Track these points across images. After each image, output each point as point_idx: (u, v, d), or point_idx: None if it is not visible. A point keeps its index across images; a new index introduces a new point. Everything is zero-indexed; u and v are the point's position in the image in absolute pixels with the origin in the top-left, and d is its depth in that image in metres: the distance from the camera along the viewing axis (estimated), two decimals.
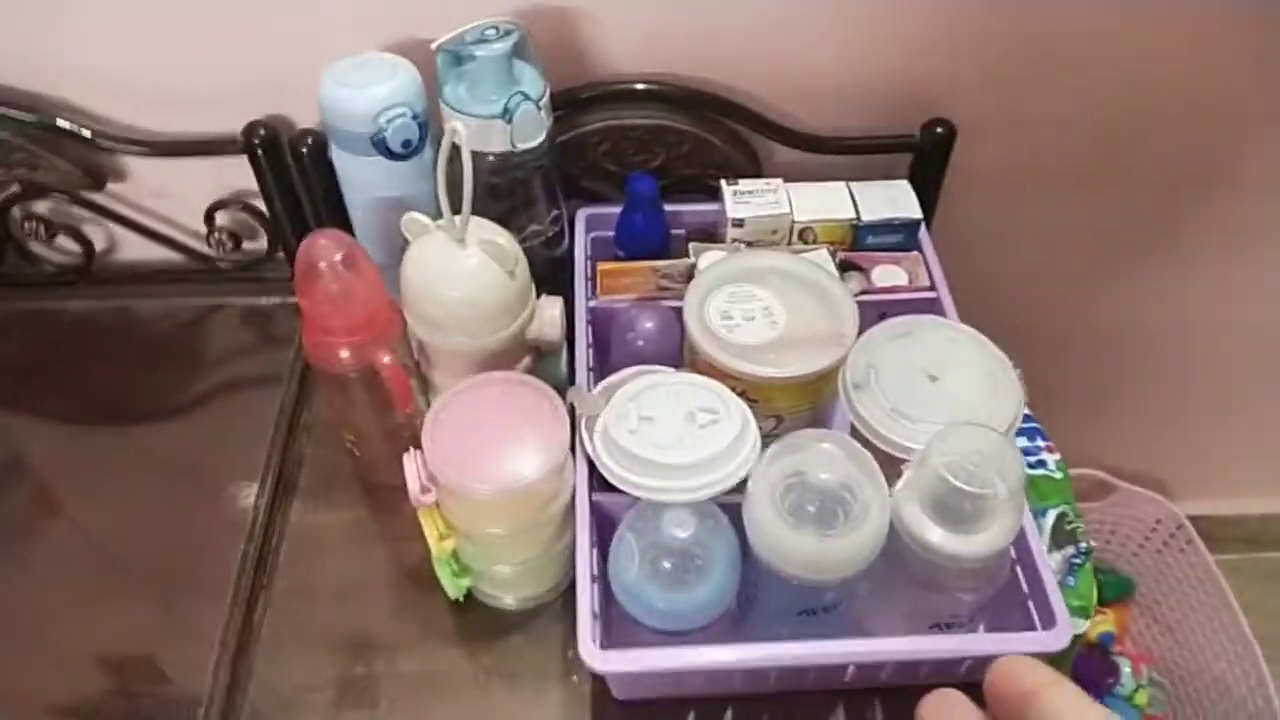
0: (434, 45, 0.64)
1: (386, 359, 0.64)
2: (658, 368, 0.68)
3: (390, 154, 0.66)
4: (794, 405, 0.66)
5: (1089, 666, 1.17)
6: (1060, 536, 0.82)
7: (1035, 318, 1.04)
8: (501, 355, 0.67)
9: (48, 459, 0.81)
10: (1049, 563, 0.79)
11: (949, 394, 0.62)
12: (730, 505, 0.61)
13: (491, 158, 0.67)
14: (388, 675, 0.66)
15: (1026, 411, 0.91)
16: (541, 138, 0.66)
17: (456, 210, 0.61)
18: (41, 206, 0.85)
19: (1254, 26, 0.77)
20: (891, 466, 0.60)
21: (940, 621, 0.61)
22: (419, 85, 0.67)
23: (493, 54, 0.63)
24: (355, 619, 0.69)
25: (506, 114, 0.64)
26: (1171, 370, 1.14)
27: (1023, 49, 0.78)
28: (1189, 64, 0.80)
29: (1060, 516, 0.83)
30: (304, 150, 0.76)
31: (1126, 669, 1.20)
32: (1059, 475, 0.86)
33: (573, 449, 0.62)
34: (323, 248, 0.60)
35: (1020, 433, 0.88)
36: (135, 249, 0.89)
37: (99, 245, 0.90)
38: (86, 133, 0.77)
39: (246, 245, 0.88)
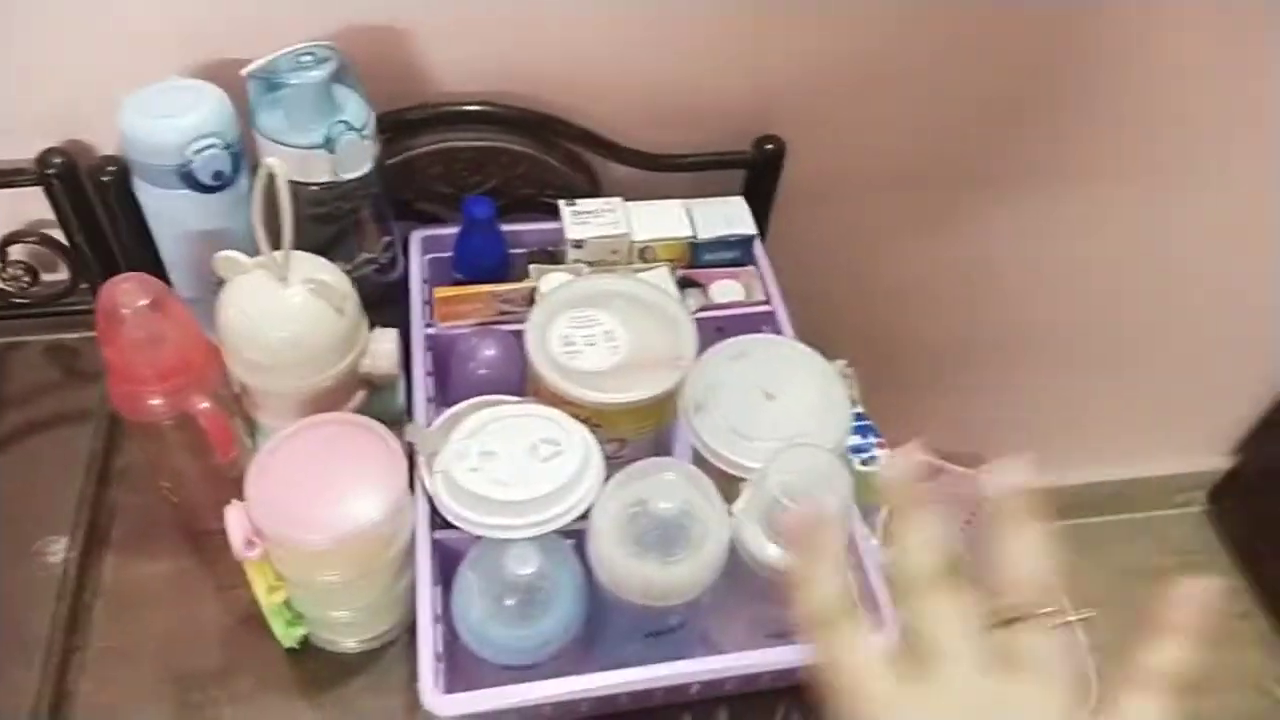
0: (244, 72, 0.60)
1: (204, 404, 0.60)
2: (500, 397, 0.67)
3: (200, 187, 0.62)
4: (637, 428, 0.66)
5: None
6: (892, 531, 0.86)
7: (864, 316, 1.09)
8: (332, 393, 0.64)
9: None
10: (880, 558, 0.85)
11: (784, 412, 0.64)
12: (574, 532, 0.61)
13: (315, 188, 0.64)
14: None
15: (859, 409, 0.95)
16: (368, 166, 0.64)
17: (276, 246, 0.58)
18: None
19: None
20: (733, 484, 0.61)
21: (779, 630, 0.63)
22: (229, 112, 0.63)
23: (309, 81, 0.60)
24: (183, 677, 0.65)
25: (329, 144, 0.61)
26: (997, 353, 1.22)
27: (843, 64, 0.81)
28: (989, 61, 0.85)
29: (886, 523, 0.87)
30: (105, 179, 0.70)
31: None
32: None
33: (411, 486, 0.61)
34: (126, 293, 0.56)
35: (854, 431, 0.92)
36: None
37: None
38: None
39: (46, 277, 0.81)
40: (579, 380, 0.63)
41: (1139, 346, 1.27)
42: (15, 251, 0.78)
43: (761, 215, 0.83)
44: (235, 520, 0.56)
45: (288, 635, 0.64)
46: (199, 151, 0.60)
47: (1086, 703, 0.33)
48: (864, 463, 0.91)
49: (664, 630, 0.59)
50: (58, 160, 0.71)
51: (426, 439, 0.62)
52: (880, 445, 0.93)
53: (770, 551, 0.56)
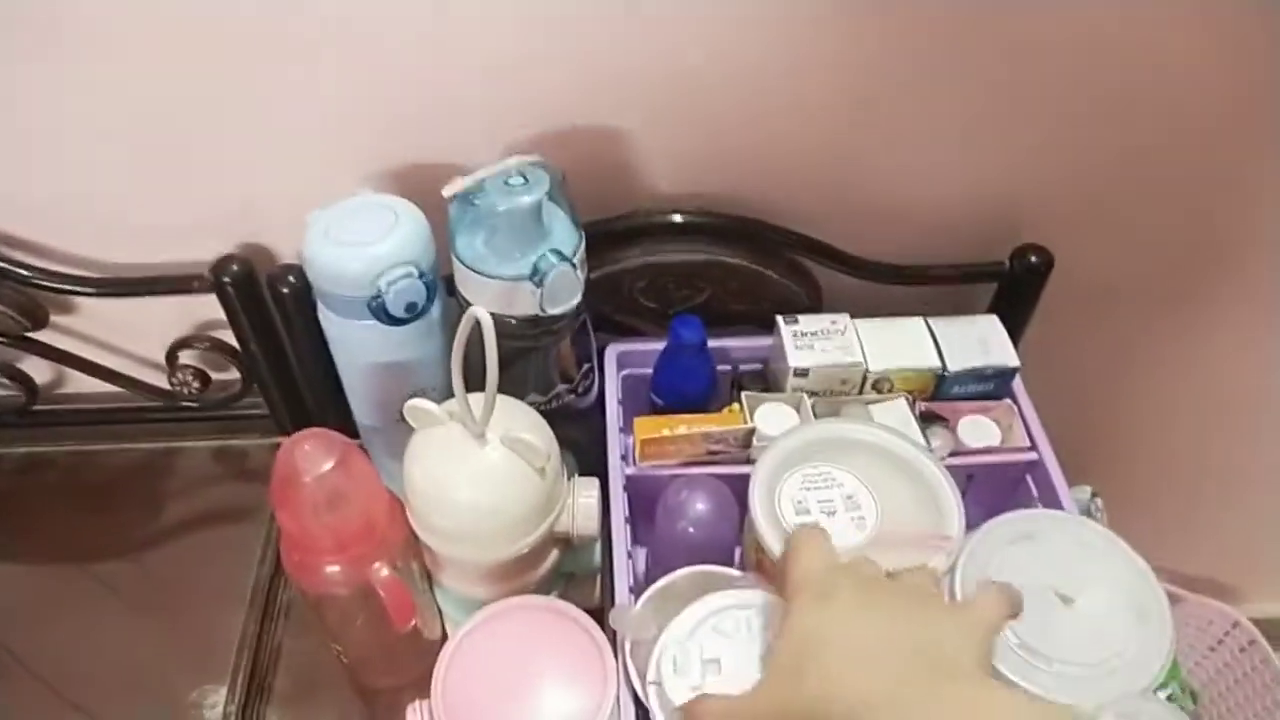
0: (446, 193, 0.52)
1: (384, 573, 0.52)
2: (713, 569, 0.56)
3: (390, 319, 0.54)
4: None
5: None
6: None
7: (1107, 441, 0.93)
8: (526, 557, 0.55)
9: None
10: None
11: (1087, 623, 0.50)
12: None
13: (514, 321, 0.55)
14: None
15: None
16: (577, 299, 0.54)
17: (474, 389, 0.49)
18: None
19: None
20: None
21: None
22: (426, 236, 0.55)
23: (519, 207, 0.51)
24: None
25: (536, 275, 0.52)
26: (1235, 476, 1.04)
27: (1112, 164, 0.67)
28: None
29: (1169, 698, 0.71)
30: (284, 291, 0.63)
31: None
32: None
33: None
34: (308, 456, 0.48)
35: None
36: (85, 384, 0.76)
37: (43, 380, 0.77)
38: (23, 272, 0.64)
39: (217, 377, 0.76)
40: None
41: None
42: (185, 355, 0.73)
43: (1014, 338, 0.69)
44: None
45: None
46: (392, 283, 0.52)
47: None
48: None
49: None
50: (234, 268, 0.65)
51: (634, 625, 0.52)
52: None
53: None
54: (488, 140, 0.60)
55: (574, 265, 0.53)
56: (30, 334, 0.70)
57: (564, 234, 0.54)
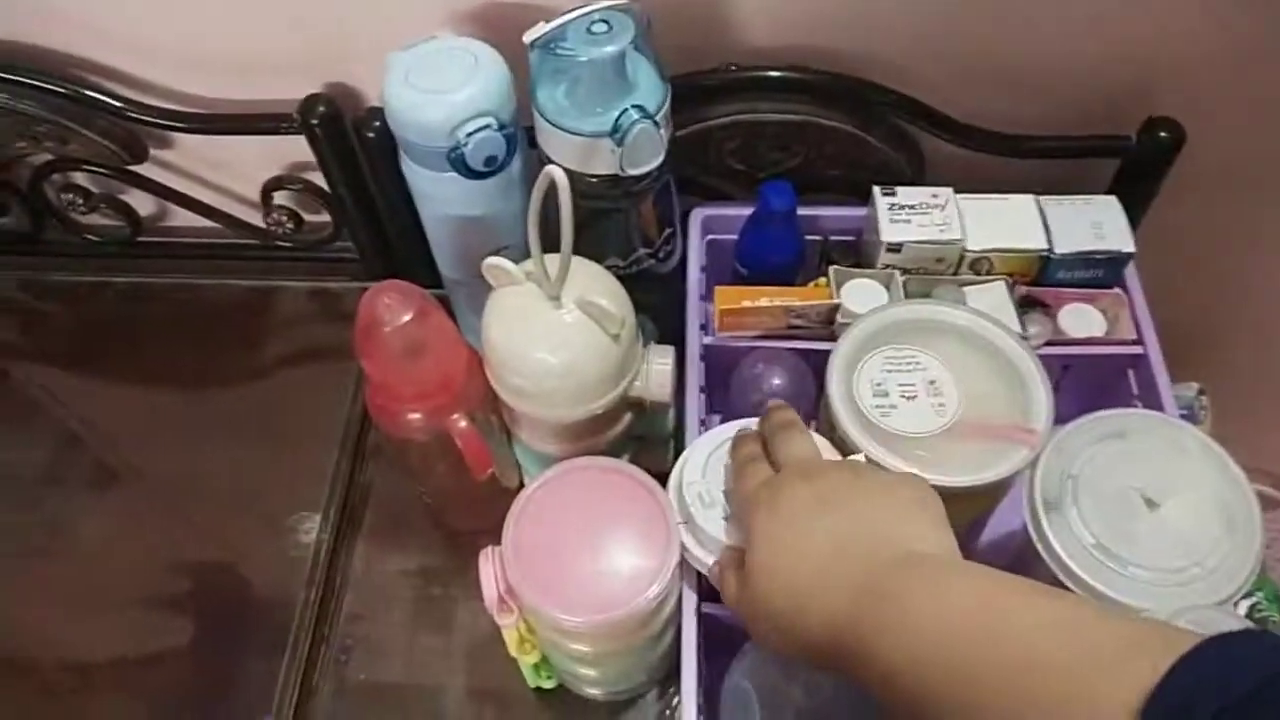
0: (526, 39, 0.49)
1: (462, 424, 0.53)
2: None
3: (470, 173, 0.53)
4: (956, 514, 0.53)
5: None
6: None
7: (1219, 332, 0.87)
8: (599, 417, 0.55)
9: (94, 445, 0.74)
10: None
11: (1173, 528, 0.48)
12: None
13: (594, 180, 0.53)
14: None
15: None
16: (658, 160, 0.52)
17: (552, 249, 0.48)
18: (80, 176, 0.75)
19: None
20: None
21: None
22: (506, 84, 0.53)
23: (601, 57, 0.48)
24: (425, 690, 0.61)
25: (617, 132, 0.50)
26: None
27: (1259, 35, 0.59)
28: None
29: (1252, 607, 0.69)
30: (370, 135, 0.63)
31: None
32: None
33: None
34: (388, 308, 0.48)
35: None
36: (187, 219, 0.79)
37: (145, 212, 0.79)
38: (116, 104, 0.65)
39: (310, 219, 0.77)
40: (893, 447, 0.50)
41: None
42: (279, 196, 0.74)
43: (1133, 220, 0.64)
44: (488, 572, 0.50)
45: (535, 678, 0.58)
46: (471, 134, 0.51)
47: None
48: None
49: None
50: (321, 109, 0.64)
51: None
52: None
53: None
54: None
55: (657, 123, 0.50)
56: (131, 167, 0.72)
57: (649, 88, 0.52)
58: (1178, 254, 0.76)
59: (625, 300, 0.52)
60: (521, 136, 0.57)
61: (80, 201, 0.75)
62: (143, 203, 0.79)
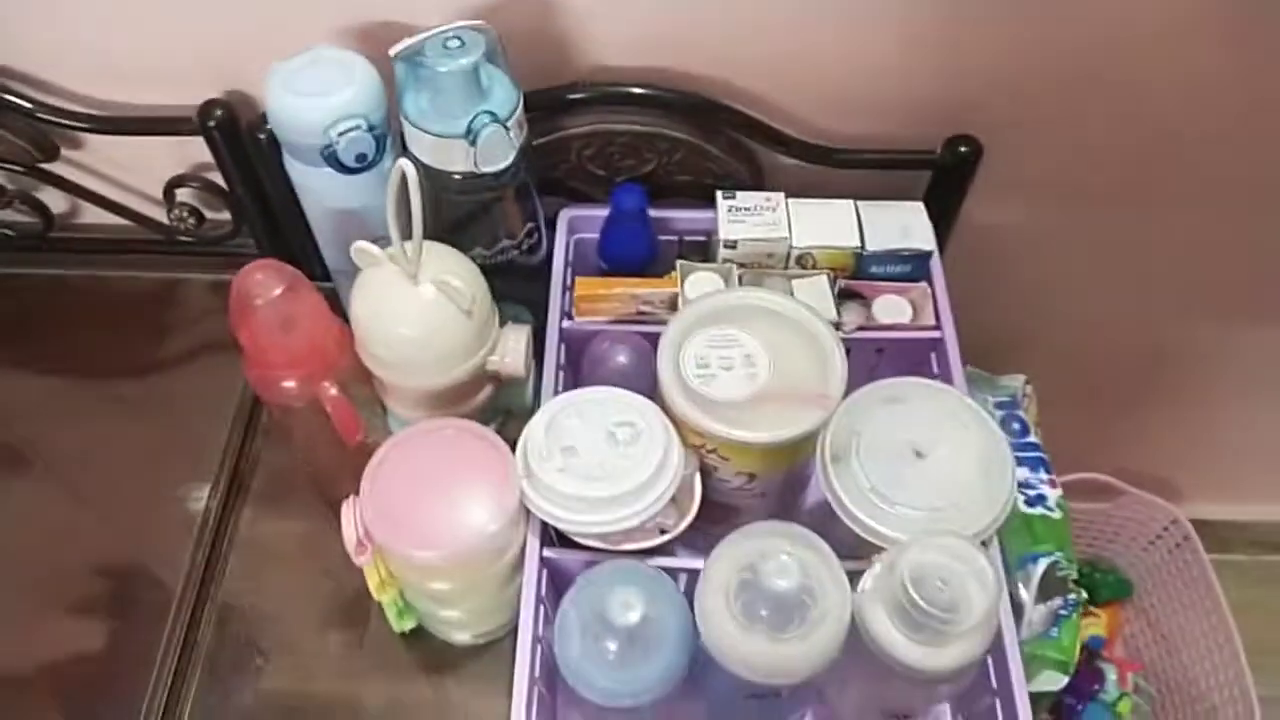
0: (391, 52, 0.57)
1: (332, 391, 0.60)
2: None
3: (343, 168, 0.60)
4: (768, 465, 0.61)
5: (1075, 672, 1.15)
6: (1049, 587, 0.77)
7: (1047, 327, 0.97)
8: (459, 388, 0.62)
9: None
10: (1034, 618, 0.77)
11: (935, 474, 0.57)
12: (686, 571, 0.58)
13: (457, 176, 0.61)
14: (331, 701, 0.65)
15: (1033, 439, 0.85)
16: (509, 160, 0.59)
17: (409, 237, 0.55)
18: None
19: None
20: (866, 549, 0.56)
21: (898, 714, 0.58)
22: (377, 91, 0.60)
23: (455, 68, 0.56)
24: (301, 643, 0.67)
25: (470, 135, 0.57)
26: (1186, 375, 1.08)
27: (1055, 61, 0.69)
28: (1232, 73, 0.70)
29: (1052, 565, 0.78)
30: (262, 136, 0.69)
31: (1112, 676, 1.17)
32: (1058, 515, 0.81)
33: None
34: (259, 283, 0.55)
35: (1022, 462, 0.83)
36: (98, 215, 0.84)
37: (59, 209, 0.85)
38: (27, 105, 0.71)
39: (211, 216, 0.83)
40: (708, 410, 0.58)
41: None
42: (181, 193, 0.80)
43: (943, 224, 0.73)
44: (349, 518, 0.56)
45: (399, 624, 0.64)
46: (342, 134, 0.58)
47: None
48: (1029, 503, 0.82)
49: (768, 694, 0.55)
50: (218, 113, 0.70)
51: None
52: (1051, 483, 0.83)
53: (897, 642, 0.50)
54: (441, 7, 0.65)
55: (506, 127, 0.58)
56: (43, 165, 0.77)
57: (503, 97, 0.59)
58: (999, 256, 0.87)
59: (478, 280, 0.59)
60: (395, 139, 0.64)
61: None
62: (56, 200, 0.84)
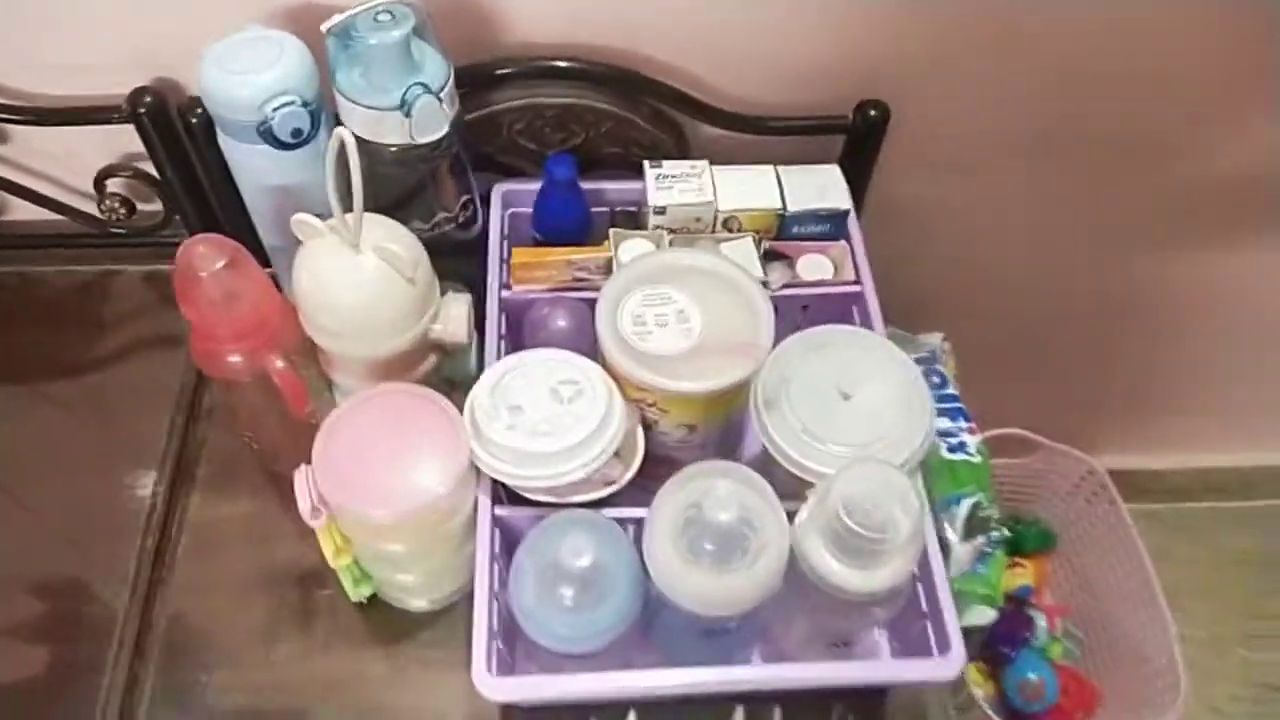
0: (323, 28, 0.58)
1: (279, 363, 0.61)
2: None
3: (279, 144, 0.61)
4: (707, 416, 0.64)
5: (1006, 620, 1.21)
6: (973, 526, 0.82)
7: (962, 293, 1.02)
8: (404, 357, 0.64)
9: None
10: (960, 555, 0.81)
11: (861, 413, 0.60)
12: (633, 521, 0.60)
13: (392, 149, 0.62)
14: (292, 677, 0.66)
15: (952, 391, 0.90)
16: (443, 130, 0.61)
17: (349, 209, 0.57)
18: None
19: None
20: (802, 487, 0.59)
21: (839, 640, 0.61)
22: (309, 68, 0.62)
23: (386, 41, 0.58)
24: (257, 620, 0.68)
25: (404, 106, 0.59)
26: (1098, 327, 1.14)
27: (963, 25, 0.74)
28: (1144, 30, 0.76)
29: (975, 505, 0.83)
30: (194, 120, 0.70)
31: (1042, 623, 1.24)
32: (978, 459, 0.86)
33: None
34: (202, 256, 0.56)
35: (943, 413, 0.88)
36: (27, 211, 0.83)
37: None
38: None
39: (143, 208, 0.83)
40: (646, 364, 0.61)
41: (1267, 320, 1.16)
42: (112, 184, 0.80)
43: (859, 185, 0.78)
44: (302, 485, 0.58)
45: (355, 592, 0.65)
46: (277, 109, 0.59)
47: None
48: (951, 449, 0.87)
49: (719, 630, 0.58)
50: (148, 99, 0.71)
51: None
52: (970, 431, 0.88)
53: (833, 570, 0.54)
54: None
55: (439, 98, 0.60)
56: None
57: (434, 69, 0.61)
58: (915, 216, 0.91)
59: (418, 248, 0.61)
60: (329, 116, 0.65)
61: None
62: None
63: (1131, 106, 0.83)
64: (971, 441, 0.88)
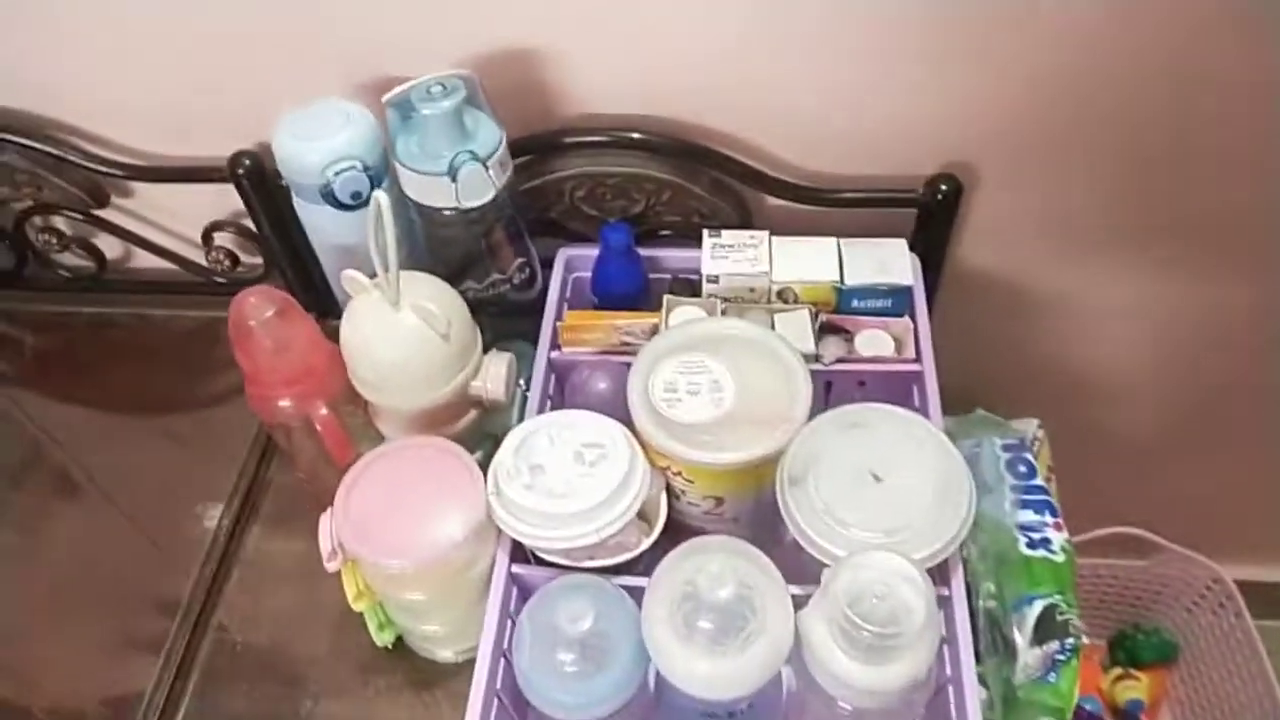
0: (384, 100, 0.62)
1: (323, 411, 0.64)
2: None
3: (339, 205, 0.65)
4: (734, 489, 0.62)
5: None
6: (1046, 629, 0.75)
7: (1067, 372, 0.96)
8: (442, 411, 0.66)
9: (53, 452, 0.86)
10: (1029, 660, 0.75)
11: (891, 498, 0.57)
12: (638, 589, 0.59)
13: (446, 212, 0.65)
14: (323, 712, 0.67)
15: (1039, 482, 0.84)
16: (489, 196, 0.64)
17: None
18: (57, 219, 0.89)
19: None
20: (821, 570, 0.56)
21: None
22: (374, 135, 0.66)
23: (437, 111, 0.61)
24: (293, 656, 0.70)
25: (451, 172, 0.62)
26: (1231, 426, 1.04)
27: (1039, 99, 0.71)
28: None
29: (1049, 607, 0.76)
30: (283, 183, 0.75)
31: None
32: (1061, 558, 0.79)
33: None
34: (253, 306, 0.60)
35: (1026, 505, 0.82)
36: (146, 259, 0.92)
37: (113, 254, 0.93)
38: (75, 158, 0.79)
39: (246, 260, 0.90)
40: (671, 431, 0.60)
41: None
42: (219, 237, 0.87)
43: (934, 260, 0.74)
44: (324, 530, 0.60)
45: (379, 636, 0.67)
46: (338, 173, 0.63)
47: None
48: (1031, 545, 0.80)
49: (722, 714, 0.56)
50: (246, 162, 0.77)
51: None
52: (1057, 526, 0.82)
53: (839, 663, 0.51)
54: (442, 59, 0.70)
55: (485, 164, 0.62)
56: (96, 211, 0.85)
57: (486, 137, 0.64)
58: (996, 295, 0.87)
59: (456, 306, 0.63)
60: (392, 181, 0.69)
61: (54, 242, 0.89)
62: (109, 244, 0.92)
63: (1236, 194, 0.76)
64: (1056, 539, 0.81)
